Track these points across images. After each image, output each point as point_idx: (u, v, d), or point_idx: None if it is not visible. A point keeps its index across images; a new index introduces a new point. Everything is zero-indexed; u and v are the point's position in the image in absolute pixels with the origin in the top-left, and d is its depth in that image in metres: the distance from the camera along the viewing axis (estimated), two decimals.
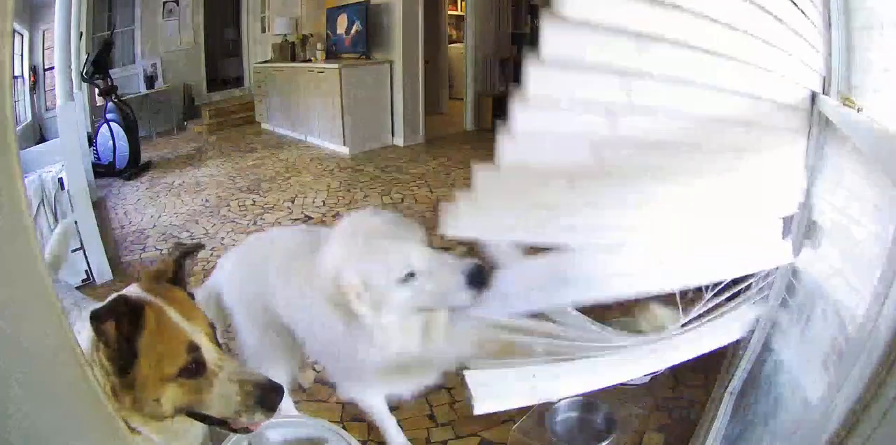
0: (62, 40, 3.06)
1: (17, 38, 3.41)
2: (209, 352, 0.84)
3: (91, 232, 2.71)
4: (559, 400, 1.72)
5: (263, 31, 6.97)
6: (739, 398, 1.65)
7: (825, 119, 1.37)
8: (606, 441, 1.60)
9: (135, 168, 4.66)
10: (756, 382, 1.59)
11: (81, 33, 4.35)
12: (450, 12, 7.20)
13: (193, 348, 0.82)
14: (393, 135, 5.47)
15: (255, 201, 3.93)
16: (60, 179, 2.60)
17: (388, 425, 1.50)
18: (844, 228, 1.19)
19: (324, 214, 3.62)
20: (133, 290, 0.86)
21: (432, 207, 3.64)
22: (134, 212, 3.78)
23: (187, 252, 0.96)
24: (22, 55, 3.45)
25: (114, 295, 0.81)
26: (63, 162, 2.67)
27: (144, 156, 4.83)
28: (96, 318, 0.76)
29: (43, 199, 2.54)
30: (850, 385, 0.59)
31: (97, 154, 4.60)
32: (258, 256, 1.42)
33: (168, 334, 0.81)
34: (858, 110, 1.09)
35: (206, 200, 3.96)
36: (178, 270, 0.93)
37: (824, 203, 1.42)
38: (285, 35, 6.26)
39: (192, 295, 0.92)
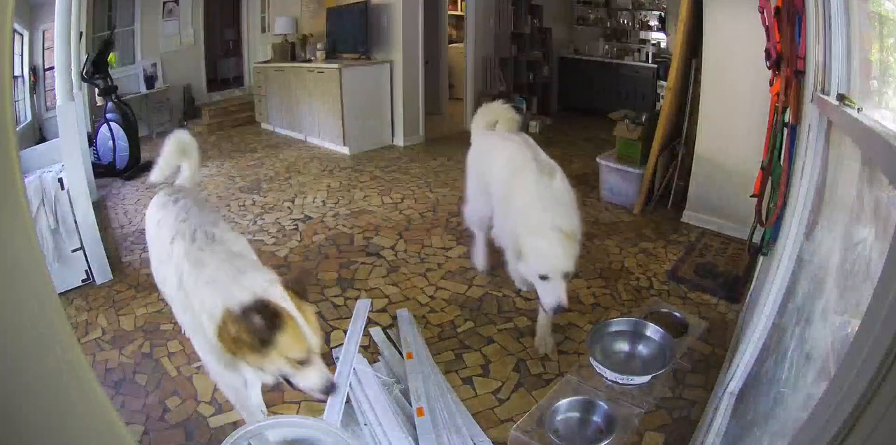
0: (62, 40, 3.05)
1: (17, 38, 3.41)
2: (317, 351, 1.24)
3: (91, 233, 2.72)
4: (559, 401, 1.72)
5: (263, 31, 6.97)
6: (739, 398, 1.65)
7: (825, 119, 1.37)
8: (606, 442, 1.60)
9: (135, 168, 4.66)
10: (756, 382, 1.59)
11: (81, 33, 4.35)
12: (450, 12, 7.19)
13: (311, 351, 1.21)
14: (393, 135, 5.47)
15: (255, 201, 3.93)
16: (60, 179, 2.60)
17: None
18: (845, 227, 1.19)
19: (324, 214, 3.62)
20: (277, 292, 1.23)
21: (432, 207, 3.64)
22: (134, 212, 3.78)
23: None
24: (22, 55, 3.45)
25: (260, 300, 1.19)
26: (63, 162, 2.67)
27: (144, 156, 4.82)
28: (246, 312, 1.15)
29: (43, 199, 2.54)
30: (850, 385, 0.59)
31: (97, 154, 4.60)
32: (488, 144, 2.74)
33: (296, 337, 1.19)
34: (858, 110, 1.09)
35: (206, 200, 3.96)
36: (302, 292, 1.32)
37: (824, 202, 1.42)
38: (285, 35, 6.26)
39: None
